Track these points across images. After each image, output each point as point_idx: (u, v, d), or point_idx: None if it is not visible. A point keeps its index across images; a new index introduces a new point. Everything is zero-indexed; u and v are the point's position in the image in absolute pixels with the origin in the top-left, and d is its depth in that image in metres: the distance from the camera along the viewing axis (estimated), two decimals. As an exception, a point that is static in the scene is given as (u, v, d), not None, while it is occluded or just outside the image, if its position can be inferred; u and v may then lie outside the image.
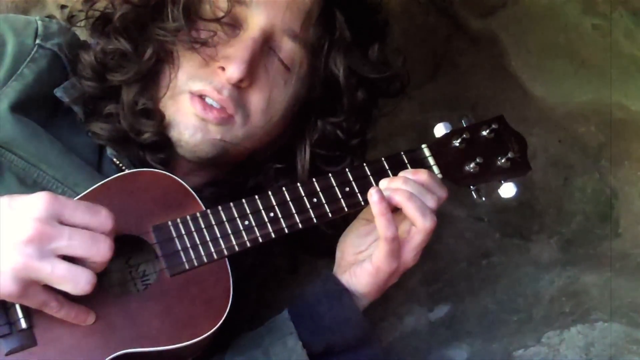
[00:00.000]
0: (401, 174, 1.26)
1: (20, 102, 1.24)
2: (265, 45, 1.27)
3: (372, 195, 1.20)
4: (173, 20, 1.26)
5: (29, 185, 1.23)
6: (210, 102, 1.27)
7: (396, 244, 1.22)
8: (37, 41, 1.29)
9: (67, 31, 1.35)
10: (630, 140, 1.90)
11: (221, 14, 1.25)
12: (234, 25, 1.26)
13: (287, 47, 1.28)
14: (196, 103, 1.27)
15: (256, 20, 1.25)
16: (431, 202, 1.23)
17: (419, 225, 1.22)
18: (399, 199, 1.21)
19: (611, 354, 1.60)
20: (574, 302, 1.77)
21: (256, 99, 1.29)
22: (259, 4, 1.23)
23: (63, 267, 1.03)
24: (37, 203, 1.03)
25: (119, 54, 1.29)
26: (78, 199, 1.17)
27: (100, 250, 1.06)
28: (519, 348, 1.69)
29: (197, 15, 1.27)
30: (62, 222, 1.04)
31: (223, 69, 1.26)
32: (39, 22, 1.31)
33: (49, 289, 1.05)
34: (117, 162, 1.30)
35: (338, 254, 1.34)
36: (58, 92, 1.29)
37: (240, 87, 1.27)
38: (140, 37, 1.29)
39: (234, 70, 1.24)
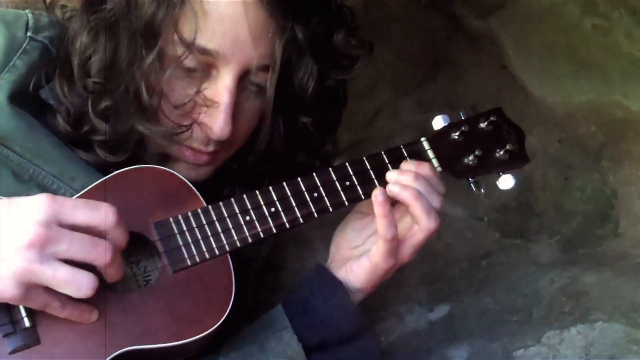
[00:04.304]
0: (405, 166, 1.26)
1: (16, 94, 1.23)
2: (240, 84, 1.25)
3: (378, 196, 1.19)
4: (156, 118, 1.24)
5: (24, 181, 1.22)
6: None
7: (395, 243, 1.22)
8: (29, 33, 1.26)
9: (57, 25, 1.33)
10: (630, 140, 1.91)
11: (191, 66, 1.21)
12: (207, 72, 1.23)
13: (260, 77, 1.25)
14: (184, 151, 1.28)
15: (227, 70, 1.22)
16: (436, 202, 1.23)
17: (423, 225, 1.21)
18: (406, 196, 1.20)
19: (611, 354, 1.60)
20: (574, 302, 1.77)
21: (239, 130, 1.29)
22: (226, 54, 1.20)
23: (64, 270, 1.02)
24: (36, 206, 1.02)
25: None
26: (78, 196, 1.16)
27: (100, 253, 1.05)
28: (519, 348, 1.69)
29: (175, 99, 1.23)
30: (62, 224, 1.03)
31: (204, 123, 1.25)
32: (30, 15, 1.29)
33: (51, 290, 1.04)
34: None
35: (333, 248, 1.33)
36: (44, 94, 1.28)
37: None
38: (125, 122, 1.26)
39: (220, 134, 1.23)
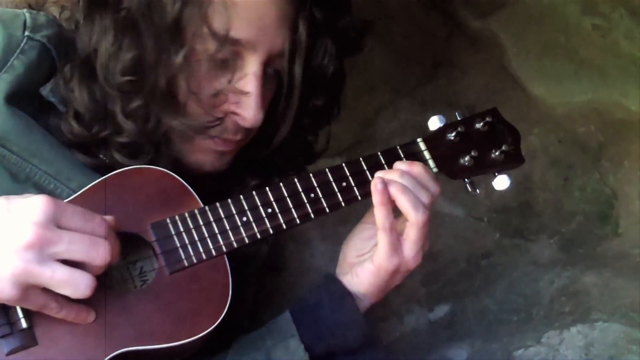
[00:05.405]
0: (396, 165, 1.26)
1: (12, 94, 1.22)
2: (265, 70, 1.25)
3: (377, 184, 1.20)
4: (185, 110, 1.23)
5: (21, 181, 1.22)
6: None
7: (395, 236, 1.22)
8: (27, 33, 1.25)
9: (55, 23, 1.33)
10: (630, 140, 1.91)
11: (223, 58, 1.21)
12: (234, 63, 1.23)
13: (281, 62, 1.25)
14: (214, 140, 1.28)
15: (253, 58, 1.22)
16: (425, 198, 1.23)
17: (412, 218, 1.21)
18: (393, 191, 1.21)
19: (611, 354, 1.60)
20: (574, 302, 1.77)
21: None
22: (254, 42, 1.20)
23: (63, 271, 1.02)
24: (35, 206, 1.02)
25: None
26: (76, 196, 1.16)
27: (99, 253, 1.05)
28: (519, 348, 1.69)
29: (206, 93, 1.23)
30: (59, 226, 1.03)
31: (235, 112, 1.25)
32: (27, 15, 1.28)
33: (48, 291, 1.04)
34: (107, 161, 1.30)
35: (341, 257, 1.33)
36: (44, 91, 1.28)
37: None
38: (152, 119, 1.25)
39: (254, 122, 1.23)
